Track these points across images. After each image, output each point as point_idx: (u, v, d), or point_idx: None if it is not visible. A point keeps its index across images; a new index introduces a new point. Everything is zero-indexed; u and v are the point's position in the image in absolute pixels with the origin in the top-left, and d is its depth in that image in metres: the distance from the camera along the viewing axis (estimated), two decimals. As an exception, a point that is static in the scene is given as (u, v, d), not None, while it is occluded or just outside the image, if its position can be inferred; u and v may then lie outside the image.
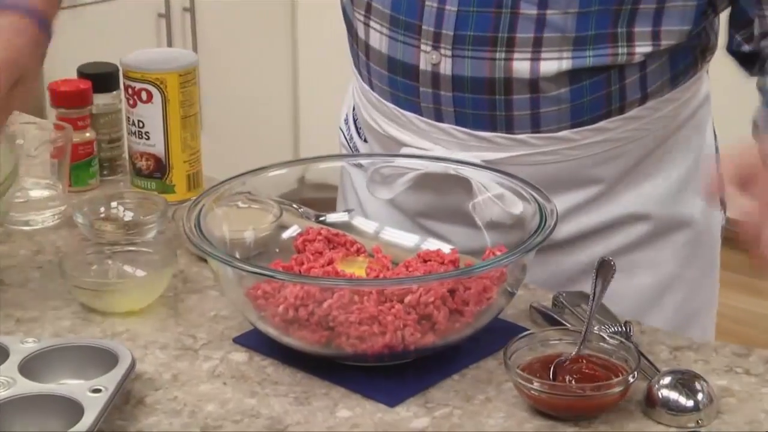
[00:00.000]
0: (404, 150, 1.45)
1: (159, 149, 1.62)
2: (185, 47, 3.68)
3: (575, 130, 1.39)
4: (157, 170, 1.63)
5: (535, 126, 1.39)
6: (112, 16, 3.45)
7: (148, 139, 1.62)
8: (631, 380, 1.16)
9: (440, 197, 1.42)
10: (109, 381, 1.17)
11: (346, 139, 1.63)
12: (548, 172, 1.40)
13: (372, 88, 1.49)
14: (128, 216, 1.55)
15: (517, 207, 1.30)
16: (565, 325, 1.31)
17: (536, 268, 1.33)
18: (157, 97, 1.59)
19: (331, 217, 1.56)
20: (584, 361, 1.20)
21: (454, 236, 1.39)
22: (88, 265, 1.42)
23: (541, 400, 1.17)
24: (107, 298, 1.36)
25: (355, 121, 1.60)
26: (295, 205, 1.56)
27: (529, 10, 1.33)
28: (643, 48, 1.35)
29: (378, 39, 1.44)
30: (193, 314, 1.37)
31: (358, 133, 1.59)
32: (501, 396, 1.21)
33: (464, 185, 1.37)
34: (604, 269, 1.26)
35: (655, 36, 1.34)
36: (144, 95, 1.60)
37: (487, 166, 1.38)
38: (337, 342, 1.22)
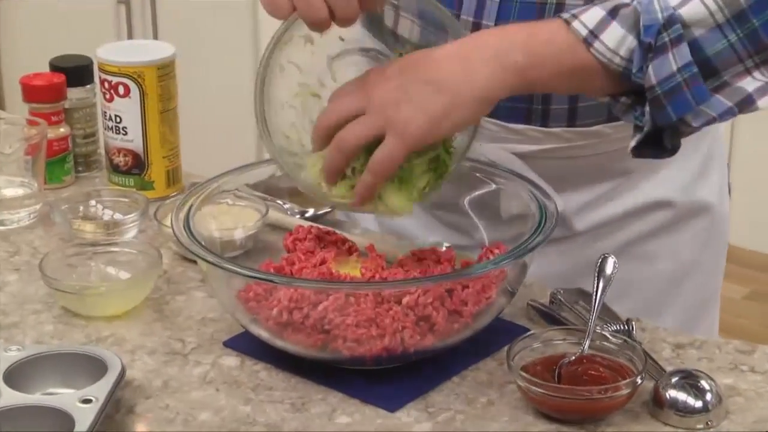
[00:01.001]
0: None
1: (137, 145, 1.57)
2: (145, 35, 3.62)
3: (610, 124, 1.35)
4: (136, 166, 1.58)
5: (572, 120, 1.34)
6: (69, 3, 3.38)
7: (126, 134, 1.57)
8: (639, 382, 1.13)
9: (458, 189, 1.35)
10: (100, 390, 1.13)
11: None
12: (577, 164, 1.36)
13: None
14: (107, 215, 1.51)
15: (558, 203, 1.25)
16: (563, 322, 1.29)
17: (556, 259, 1.30)
18: (134, 91, 1.55)
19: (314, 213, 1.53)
20: (589, 362, 1.17)
21: (472, 228, 1.35)
22: (69, 266, 1.37)
23: (546, 404, 1.14)
24: (91, 301, 1.31)
25: None
26: (279, 201, 1.52)
27: (576, 1, 1.26)
28: None
29: (408, 28, 1.37)
30: (180, 317, 1.33)
31: None
32: (504, 399, 1.18)
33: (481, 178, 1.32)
34: (605, 266, 1.23)
35: None
36: (121, 89, 1.55)
37: (489, 161, 1.33)
38: (333, 345, 1.18)
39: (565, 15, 1.17)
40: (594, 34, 1.15)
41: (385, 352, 1.18)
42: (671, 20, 1.14)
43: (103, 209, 1.51)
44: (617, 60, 1.16)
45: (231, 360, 1.25)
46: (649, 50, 1.15)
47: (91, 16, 3.45)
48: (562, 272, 1.36)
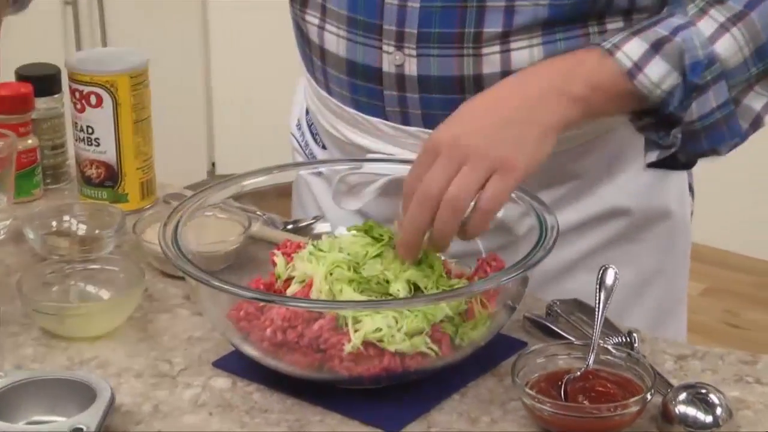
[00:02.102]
0: (367, 163, 1.37)
1: (110, 156, 1.52)
2: (93, 37, 3.55)
3: None
4: (109, 178, 1.53)
5: None
6: (14, 3, 3.30)
7: (99, 145, 1.52)
8: (649, 398, 1.10)
9: None
10: (90, 419, 1.08)
11: (300, 145, 1.54)
12: None
13: (330, 93, 1.40)
14: (82, 229, 1.46)
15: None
16: (561, 334, 1.26)
17: None
18: (107, 100, 1.50)
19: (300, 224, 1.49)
20: (595, 377, 1.14)
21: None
22: (45, 285, 1.32)
23: (554, 422, 1.11)
24: (72, 322, 1.26)
25: (309, 126, 1.51)
26: (258, 212, 1.48)
27: (497, 2, 1.25)
28: (614, 25, 1.28)
29: (335, 42, 1.36)
30: (165, 336, 1.28)
31: (315, 139, 1.50)
32: (508, 417, 1.15)
33: None
34: (607, 277, 1.20)
35: (627, 13, 1.28)
36: (93, 99, 1.50)
37: None
38: (329, 365, 1.14)
39: (606, 45, 1.19)
40: (638, 66, 1.19)
41: (385, 372, 1.14)
42: (712, 59, 1.19)
43: (77, 224, 1.46)
44: (658, 92, 1.19)
45: (222, 381, 1.21)
46: (694, 90, 1.19)
47: (37, 17, 3.37)
48: None
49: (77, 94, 1.50)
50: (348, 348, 1.13)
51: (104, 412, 1.09)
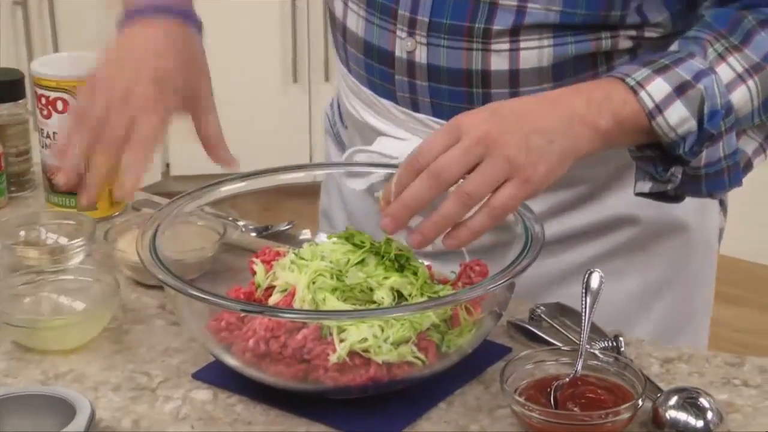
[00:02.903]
0: (380, 139, 1.35)
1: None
2: (44, 37, 3.51)
3: None
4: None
5: None
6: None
7: (66, 152, 1.48)
8: (640, 404, 1.09)
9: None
10: (71, 436, 1.05)
11: (330, 123, 1.54)
12: None
13: (350, 71, 1.39)
14: (51, 239, 1.42)
15: None
16: (545, 339, 1.24)
17: None
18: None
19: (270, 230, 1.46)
20: (584, 384, 1.12)
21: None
22: (16, 297, 1.29)
23: (544, 430, 1.09)
24: (45, 335, 1.23)
25: (339, 105, 1.50)
26: (231, 218, 1.45)
27: (509, 1, 1.24)
28: (626, 33, 1.27)
29: (355, 21, 1.35)
30: (142, 348, 1.26)
31: (341, 119, 1.49)
32: (496, 425, 1.13)
33: None
34: (592, 281, 1.19)
35: (639, 27, 1.27)
36: (60, 105, 1.46)
37: None
38: (314, 375, 1.12)
39: (630, 81, 1.19)
40: (659, 108, 1.18)
41: (371, 382, 1.12)
42: (728, 110, 1.19)
43: (46, 233, 1.42)
44: (672, 135, 1.19)
45: (203, 393, 1.18)
46: (708, 138, 1.19)
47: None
48: (524, 284, 1.32)
49: (43, 100, 1.47)
50: (333, 359, 1.11)
51: (85, 429, 1.06)
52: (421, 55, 1.29)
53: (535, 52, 1.26)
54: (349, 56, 1.38)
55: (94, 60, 1.49)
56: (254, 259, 1.24)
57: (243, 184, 1.32)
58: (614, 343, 1.21)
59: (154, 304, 1.33)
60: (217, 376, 1.20)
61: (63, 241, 1.41)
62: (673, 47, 1.23)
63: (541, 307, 1.28)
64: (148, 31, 1.27)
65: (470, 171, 1.12)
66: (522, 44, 1.25)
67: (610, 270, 1.34)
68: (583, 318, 1.17)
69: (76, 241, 1.39)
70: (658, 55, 1.21)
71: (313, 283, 1.16)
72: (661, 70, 1.19)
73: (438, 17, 1.28)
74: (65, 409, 1.09)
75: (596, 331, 1.22)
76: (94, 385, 1.19)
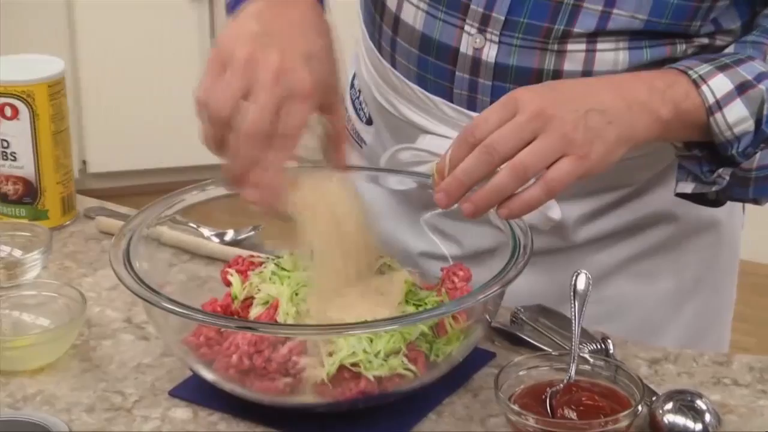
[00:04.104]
0: (425, 136, 1.30)
1: (28, 171, 1.43)
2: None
3: None
4: (27, 195, 1.44)
5: None
6: None
7: (15, 160, 1.42)
8: (640, 410, 1.07)
9: None
10: (53, 464, 1.00)
11: None
12: None
13: (394, 65, 1.32)
14: (4, 251, 1.36)
15: (556, 212, 1.17)
16: (529, 342, 1.22)
17: (547, 271, 1.22)
18: (24, 112, 1.41)
19: (234, 236, 1.42)
20: (579, 389, 1.10)
21: (463, 234, 1.28)
22: (-25, 316, 1.23)
23: (542, 439, 1.06)
24: (10, 355, 1.17)
25: (354, 99, 1.43)
26: (191, 224, 1.40)
27: (594, 5, 1.20)
28: (699, 41, 1.24)
29: (413, 14, 1.28)
30: (112, 365, 1.20)
31: (358, 114, 1.43)
32: (490, 435, 1.10)
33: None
34: (579, 283, 1.16)
35: (712, 35, 1.24)
36: (8, 111, 1.40)
37: None
38: (301, 391, 1.08)
39: (693, 74, 1.16)
40: (719, 105, 1.16)
41: (362, 395, 1.08)
42: None
43: (-1, 246, 1.36)
44: (728, 134, 1.17)
45: (182, 412, 1.14)
46: (764, 140, 1.17)
47: None
48: (552, 284, 1.28)
49: (-11, 106, 1.41)
50: (322, 374, 1.07)
51: (66, 456, 1.01)
52: (489, 53, 1.24)
53: (611, 55, 1.21)
54: (397, 50, 1.31)
55: (45, 63, 1.44)
56: (229, 270, 1.19)
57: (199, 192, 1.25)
58: (603, 346, 1.19)
59: (119, 318, 1.28)
60: (196, 392, 1.15)
61: (17, 253, 1.35)
62: (730, 50, 1.21)
63: (522, 310, 1.25)
64: (283, 8, 1.14)
65: (525, 147, 1.09)
66: (599, 46, 1.21)
67: (644, 271, 1.32)
68: (573, 322, 1.14)
69: (33, 253, 1.33)
70: (718, 55, 1.19)
71: (296, 294, 1.12)
72: (722, 68, 1.17)
73: (515, 16, 1.22)
74: (41, 435, 1.04)
75: (583, 334, 1.19)
76: (67, 406, 1.14)
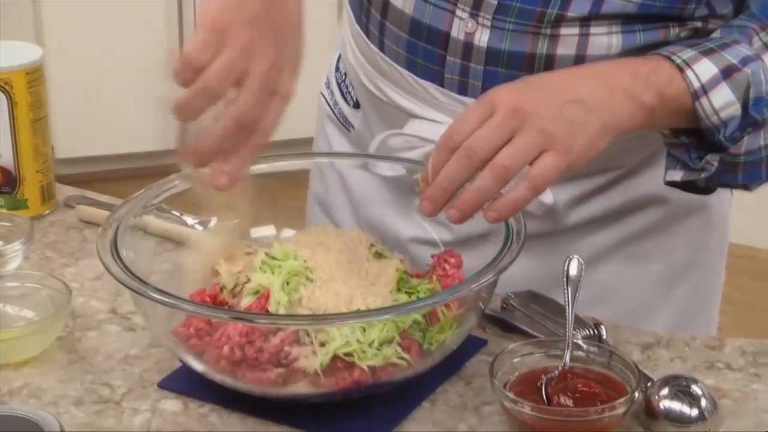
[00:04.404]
0: (414, 121, 1.29)
1: (7, 160, 1.41)
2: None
3: None
4: (6, 184, 1.41)
5: None
6: None
7: (-7, 148, 1.40)
8: (636, 396, 1.06)
9: None
10: (44, 461, 0.98)
11: (329, 105, 1.45)
12: None
13: (383, 50, 1.31)
14: (-16, 243, 1.34)
15: (548, 196, 1.16)
16: (520, 329, 1.21)
17: (539, 255, 1.21)
18: (1, 100, 1.38)
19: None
20: (573, 376, 1.09)
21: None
22: (-43, 309, 1.21)
23: (537, 426, 1.05)
24: (-4, 348, 1.16)
25: (340, 83, 1.42)
26: (175, 212, 1.37)
27: None
28: (693, 25, 1.22)
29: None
30: (98, 357, 1.19)
31: (345, 98, 1.41)
32: (485, 423, 1.09)
33: None
34: (571, 269, 1.15)
35: (705, 19, 1.23)
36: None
37: None
38: (294, 381, 1.07)
39: (677, 59, 1.15)
40: (705, 89, 1.15)
41: (356, 385, 1.07)
42: None
43: (-23, 237, 1.34)
44: (714, 119, 1.16)
45: (172, 404, 1.12)
46: (750, 124, 1.16)
47: None
48: (544, 269, 1.27)
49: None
50: (315, 365, 1.05)
51: (58, 452, 0.99)
52: (481, 38, 1.23)
53: (605, 39, 1.20)
54: (386, 34, 1.29)
55: (22, 49, 1.41)
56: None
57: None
58: (595, 331, 1.18)
59: (104, 308, 1.26)
60: (185, 383, 1.14)
61: (-1, 244, 1.33)
62: (716, 34, 1.20)
63: (513, 296, 1.24)
64: None
65: (504, 147, 1.08)
66: (592, 30, 1.20)
67: (634, 254, 1.31)
68: (567, 308, 1.13)
69: (13, 244, 1.31)
70: (703, 40, 1.18)
71: (288, 284, 1.11)
72: (707, 52, 1.16)
73: (508, 0, 1.21)
74: (27, 429, 1.02)
75: (576, 320, 1.18)
76: (54, 399, 1.12)
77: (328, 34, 1.28)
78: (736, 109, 1.16)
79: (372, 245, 1.18)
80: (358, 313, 1.07)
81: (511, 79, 1.16)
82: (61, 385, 1.14)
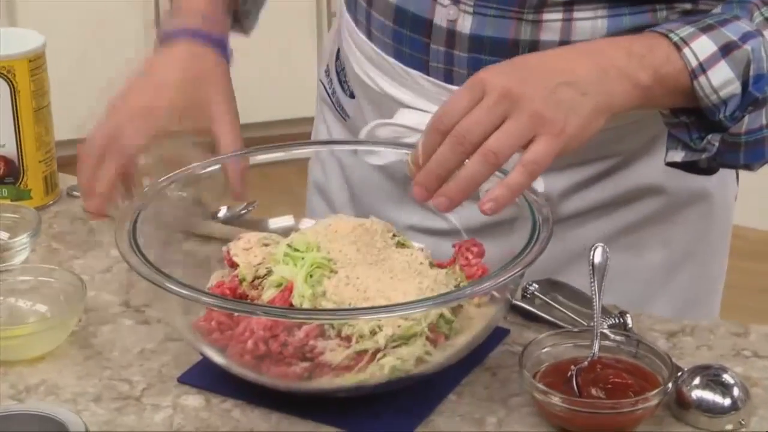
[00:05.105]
0: (402, 111, 1.27)
1: (10, 150, 1.37)
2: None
3: None
4: (9, 174, 1.38)
5: None
6: None
7: (-4, 138, 1.37)
8: (670, 388, 1.04)
9: None
10: (70, 461, 0.96)
11: (328, 93, 1.43)
12: None
13: (371, 38, 1.29)
14: (-8, 235, 1.31)
15: (539, 184, 1.14)
16: (543, 317, 1.20)
17: None
18: (4, 88, 1.35)
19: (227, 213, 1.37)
20: (603, 366, 1.07)
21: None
22: (-31, 304, 1.18)
23: (569, 419, 1.04)
24: (10, 344, 1.13)
25: (338, 72, 1.40)
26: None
27: None
28: (681, 7, 1.20)
29: None
30: (114, 352, 1.16)
31: (342, 87, 1.39)
32: (514, 415, 1.07)
33: None
34: (596, 257, 1.13)
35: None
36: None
37: None
38: (319, 375, 1.05)
39: (674, 37, 1.13)
40: (703, 67, 1.13)
41: (385, 379, 1.05)
42: None
43: (-14, 230, 1.31)
44: (714, 97, 1.13)
45: (194, 399, 1.10)
46: (751, 103, 1.13)
47: None
48: (540, 259, 1.26)
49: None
50: (340, 358, 1.03)
51: (83, 452, 0.97)
52: (464, 25, 1.21)
53: (589, 24, 1.18)
54: (372, 23, 1.28)
55: (24, 37, 1.39)
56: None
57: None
58: (621, 320, 1.16)
59: (116, 301, 1.24)
60: (206, 378, 1.11)
61: (4, 237, 1.30)
62: (717, 10, 1.17)
63: (534, 284, 1.22)
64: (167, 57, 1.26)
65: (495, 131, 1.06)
66: (576, 14, 1.18)
67: (632, 244, 1.29)
68: (594, 296, 1.12)
69: (21, 236, 1.28)
70: (702, 16, 1.15)
71: (311, 276, 1.08)
72: (705, 29, 1.13)
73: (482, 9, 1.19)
74: (53, 428, 0.99)
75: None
76: (72, 396, 1.10)
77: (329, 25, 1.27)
78: (735, 88, 1.13)
79: (394, 235, 1.16)
80: (387, 307, 1.05)
81: None
82: (78, 382, 1.12)
